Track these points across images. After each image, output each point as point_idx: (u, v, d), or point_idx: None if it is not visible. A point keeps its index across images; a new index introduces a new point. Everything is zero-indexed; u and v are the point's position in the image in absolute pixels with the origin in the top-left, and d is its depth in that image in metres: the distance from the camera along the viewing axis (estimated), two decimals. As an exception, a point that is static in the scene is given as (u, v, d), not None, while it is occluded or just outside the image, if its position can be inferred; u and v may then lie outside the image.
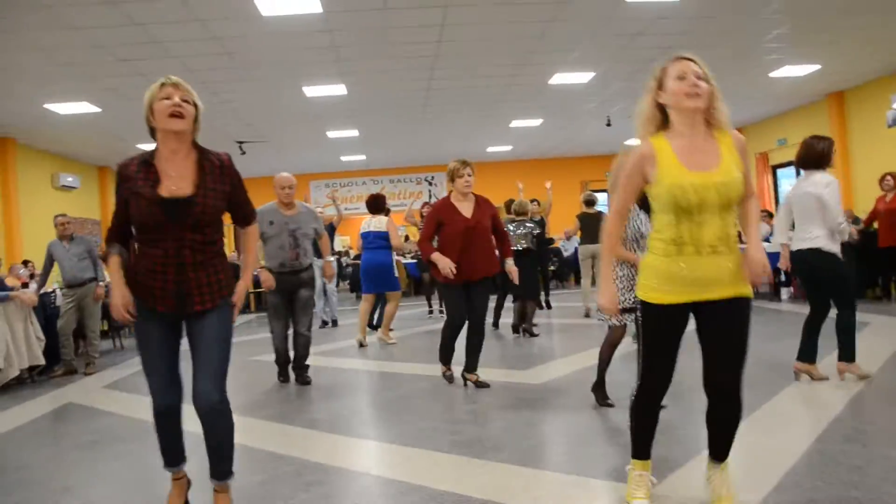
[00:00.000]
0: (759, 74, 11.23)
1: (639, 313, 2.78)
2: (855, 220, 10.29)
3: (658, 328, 2.70)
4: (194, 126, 2.79)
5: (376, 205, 7.88)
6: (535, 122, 14.53)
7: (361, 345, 8.01)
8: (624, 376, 5.03)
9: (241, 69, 9.13)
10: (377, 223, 7.76)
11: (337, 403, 5.35)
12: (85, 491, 3.58)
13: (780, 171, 16.08)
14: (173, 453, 3.00)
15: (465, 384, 5.55)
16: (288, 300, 5.89)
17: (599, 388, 4.66)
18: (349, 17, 7.52)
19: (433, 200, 20.57)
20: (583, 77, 10.84)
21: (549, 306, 10.89)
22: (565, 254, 15.71)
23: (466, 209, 5.39)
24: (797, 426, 3.95)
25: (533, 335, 8.02)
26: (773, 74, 11.29)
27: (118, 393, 6.40)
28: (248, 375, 6.70)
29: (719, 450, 2.75)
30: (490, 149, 17.92)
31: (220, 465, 2.92)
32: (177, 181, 2.72)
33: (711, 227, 2.56)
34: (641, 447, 2.86)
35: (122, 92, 9.61)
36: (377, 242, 7.64)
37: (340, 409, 5.17)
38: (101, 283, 7.54)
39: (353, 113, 12.42)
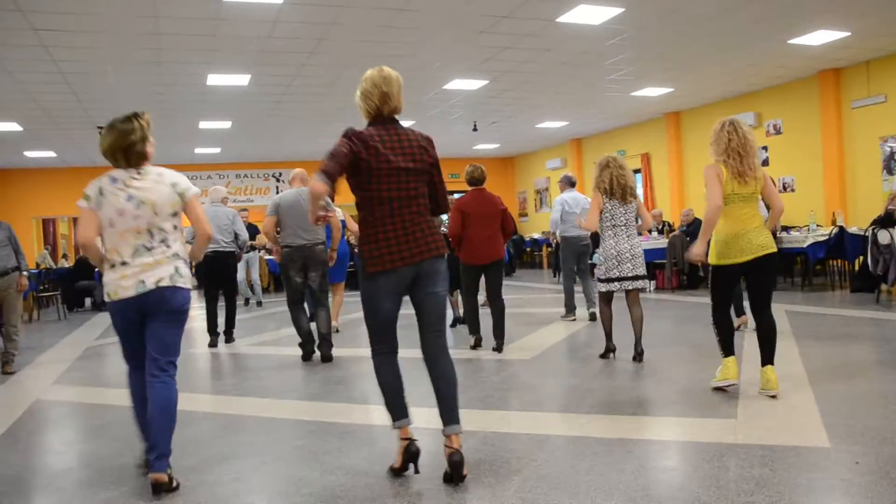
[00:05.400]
0: (622, 92, 12.69)
1: None
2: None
3: None
4: None
5: None
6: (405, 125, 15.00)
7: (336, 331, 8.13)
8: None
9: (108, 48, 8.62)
10: None
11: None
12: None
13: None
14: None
15: None
16: None
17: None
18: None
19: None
20: (476, 84, 11.58)
21: None
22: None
23: None
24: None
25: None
26: (635, 94, 12.81)
27: (87, 388, 6.09)
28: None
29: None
30: (346, 147, 18.12)
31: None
32: None
33: None
34: None
35: None
36: None
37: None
38: (24, 273, 6.93)
39: (223, 105, 12.11)
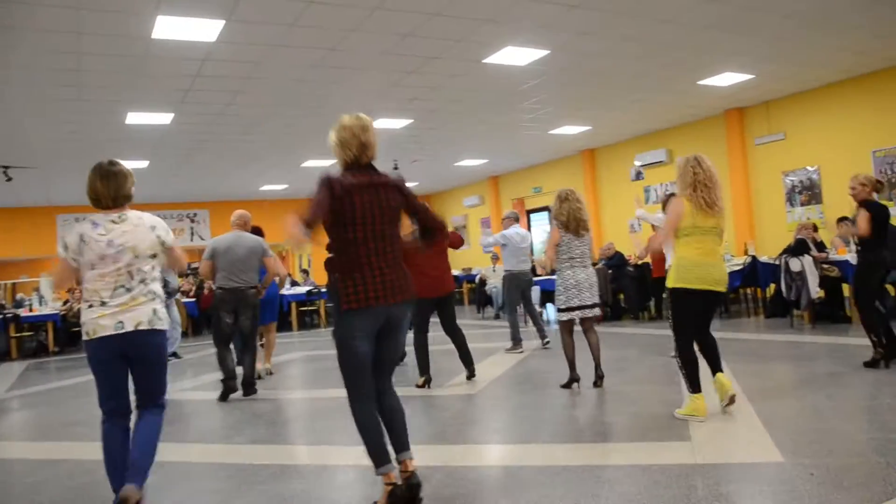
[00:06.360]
0: (541, 130, 13.10)
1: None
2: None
3: None
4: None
5: None
6: (329, 162, 15.00)
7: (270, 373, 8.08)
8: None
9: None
10: None
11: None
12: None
13: (533, 216, 18.34)
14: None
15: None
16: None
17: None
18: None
19: (195, 238, 19.73)
20: (401, 123, 11.70)
21: None
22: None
23: None
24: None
25: None
26: (553, 132, 13.24)
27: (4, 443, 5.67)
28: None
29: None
30: (264, 187, 17.92)
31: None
32: None
33: None
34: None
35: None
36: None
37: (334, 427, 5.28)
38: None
39: (142, 145, 11.78)
